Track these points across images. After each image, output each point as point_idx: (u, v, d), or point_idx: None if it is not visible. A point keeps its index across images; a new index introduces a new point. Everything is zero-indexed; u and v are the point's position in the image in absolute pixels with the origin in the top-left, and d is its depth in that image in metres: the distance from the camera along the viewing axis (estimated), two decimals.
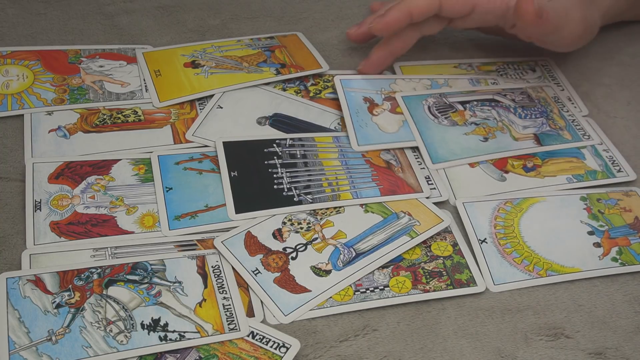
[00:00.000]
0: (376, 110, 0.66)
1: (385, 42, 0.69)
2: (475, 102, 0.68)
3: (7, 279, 0.51)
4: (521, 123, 0.67)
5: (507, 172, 0.63)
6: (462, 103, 0.68)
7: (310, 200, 0.59)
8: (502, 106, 0.68)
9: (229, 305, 0.52)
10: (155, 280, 0.53)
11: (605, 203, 0.61)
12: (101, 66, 0.69)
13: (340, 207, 0.59)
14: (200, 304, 0.52)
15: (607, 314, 0.54)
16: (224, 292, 0.52)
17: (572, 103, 0.70)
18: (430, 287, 0.54)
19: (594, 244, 0.58)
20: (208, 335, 0.50)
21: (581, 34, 0.67)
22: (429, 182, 0.62)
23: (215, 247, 0.55)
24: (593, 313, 0.54)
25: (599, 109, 0.71)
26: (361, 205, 0.59)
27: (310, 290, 0.53)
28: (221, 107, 0.66)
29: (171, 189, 0.59)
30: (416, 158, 0.64)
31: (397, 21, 0.65)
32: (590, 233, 0.59)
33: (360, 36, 0.73)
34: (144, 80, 0.68)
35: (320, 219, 0.58)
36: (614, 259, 0.57)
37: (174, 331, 0.50)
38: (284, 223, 0.57)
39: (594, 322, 0.53)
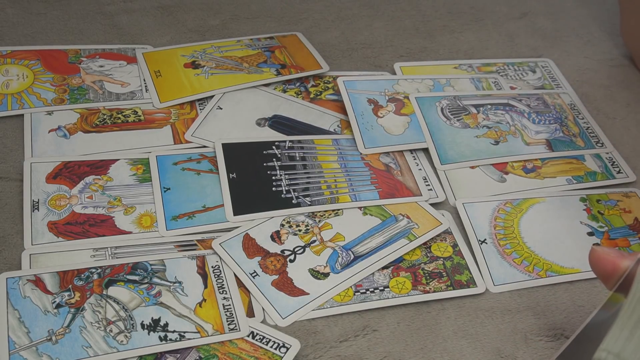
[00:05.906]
0: (381, 112, 0.66)
1: None
2: (489, 106, 0.68)
3: (7, 279, 0.51)
4: (534, 128, 0.67)
5: (506, 173, 0.63)
6: (476, 106, 0.68)
7: (309, 203, 0.59)
8: (517, 111, 0.68)
9: (229, 305, 0.52)
10: (155, 280, 0.53)
11: (605, 204, 0.61)
12: (101, 66, 0.69)
13: (338, 209, 0.59)
14: (200, 304, 0.52)
15: None
16: (224, 292, 0.52)
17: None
18: (430, 288, 0.54)
19: (593, 244, 0.58)
20: (208, 336, 0.50)
21: None
22: (426, 183, 0.62)
23: (213, 249, 0.55)
24: None
25: (599, 110, 0.71)
26: (360, 207, 0.59)
27: (308, 293, 0.53)
28: (221, 108, 0.66)
29: (169, 189, 0.59)
30: (414, 159, 0.64)
31: None
32: (590, 234, 0.59)
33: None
34: (144, 80, 0.68)
35: (319, 221, 0.58)
36: None
37: (174, 331, 0.50)
38: (282, 225, 0.57)
39: None
